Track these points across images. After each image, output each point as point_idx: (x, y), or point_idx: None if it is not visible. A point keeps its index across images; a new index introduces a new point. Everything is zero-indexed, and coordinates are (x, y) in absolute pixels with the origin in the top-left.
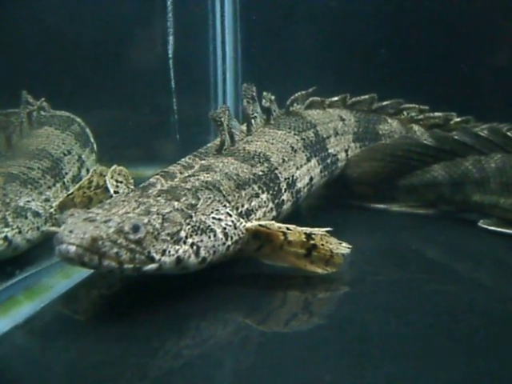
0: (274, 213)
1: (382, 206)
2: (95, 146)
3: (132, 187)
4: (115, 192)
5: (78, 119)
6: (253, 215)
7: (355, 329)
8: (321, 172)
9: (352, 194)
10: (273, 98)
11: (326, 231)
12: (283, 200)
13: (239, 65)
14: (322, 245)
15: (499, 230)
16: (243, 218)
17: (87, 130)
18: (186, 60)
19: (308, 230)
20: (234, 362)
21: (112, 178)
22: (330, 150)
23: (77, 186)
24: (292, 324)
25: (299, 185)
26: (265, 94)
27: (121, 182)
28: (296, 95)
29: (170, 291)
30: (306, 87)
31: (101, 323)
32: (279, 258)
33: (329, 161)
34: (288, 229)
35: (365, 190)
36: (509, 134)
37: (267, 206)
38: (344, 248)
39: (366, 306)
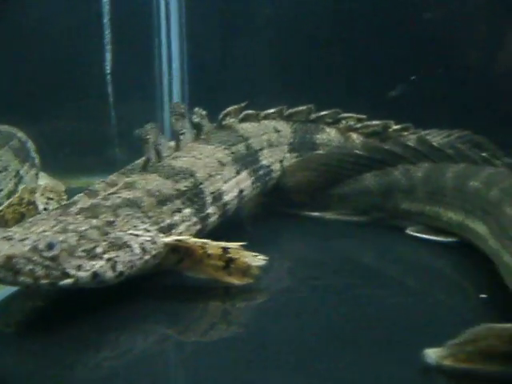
0: (199, 226)
1: (317, 213)
2: (37, 160)
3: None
4: (45, 209)
5: (20, 134)
6: (175, 229)
7: (267, 337)
8: (253, 183)
9: (289, 202)
10: (204, 113)
11: (241, 245)
12: (209, 213)
13: (186, 77)
14: (239, 258)
15: (425, 236)
16: (165, 233)
17: (28, 144)
18: (131, 73)
19: (223, 244)
20: (154, 372)
21: (43, 195)
22: (262, 162)
23: (6, 203)
24: (210, 334)
25: (227, 198)
26: (196, 109)
27: (51, 199)
28: (228, 109)
29: (92, 304)
30: (252, 96)
31: (20, 337)
32: (200, 271)
33: (261, 172)
34: (204, 243)
35: (301, 198)
36: (435, 144)
37: (190, 220)
38: (259, 260)
39: (286, 314)
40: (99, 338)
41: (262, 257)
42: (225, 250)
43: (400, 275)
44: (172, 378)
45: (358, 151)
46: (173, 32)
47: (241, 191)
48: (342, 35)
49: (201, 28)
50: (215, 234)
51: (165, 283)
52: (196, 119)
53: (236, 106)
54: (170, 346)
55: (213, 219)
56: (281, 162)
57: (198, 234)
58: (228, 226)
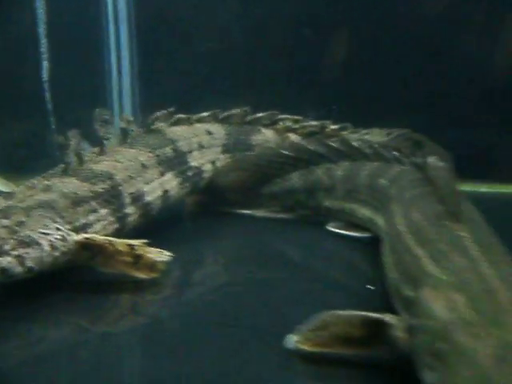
0: (117, 225)
1: (248, 211)
2: None
3: None
4: None
5: None
6: (90, 228)
7: (167, 327)
8: (180, 184)
9: (224, 201)
10: (131, 119)
11: (145, 242)
12: (127, 213)
13: (136, 81)
14: (145, 254)
15: (344, 232)
16: (79, 232)
17: None
18: (77, 80)
19: (128, 241)
20: (65, 360)
21: None
22: (191, 163)
23: None
24: (120, 324)
25: (148, 198)
26: (123, 115)
27: None
28: (157, 114)
29: (3, 299)
30: (203, 100)
31: None
32: (111, 266)
33: (190, 173)
34: (110, 241)
35: (234, 197)
36: (354, 144)
37: (107, 220)
38: (164, 256)
39: (192, 306)
40: (10, 329)
41: (167, 253)
42: (132, 247)
43: (319, 269)
44: (81, 366)
45: (285, 151)
46: (122, 38)
47: (165, 192)
48: (288, 39)
49: (151, 32)
50: (154, 232)
51: (79, 278)
52: (122, 125)
53: (165, 111)
54: (81, 335)
55: (132, 218)
56: (213, 163)
57: (117, 232)
58: (167, 225)
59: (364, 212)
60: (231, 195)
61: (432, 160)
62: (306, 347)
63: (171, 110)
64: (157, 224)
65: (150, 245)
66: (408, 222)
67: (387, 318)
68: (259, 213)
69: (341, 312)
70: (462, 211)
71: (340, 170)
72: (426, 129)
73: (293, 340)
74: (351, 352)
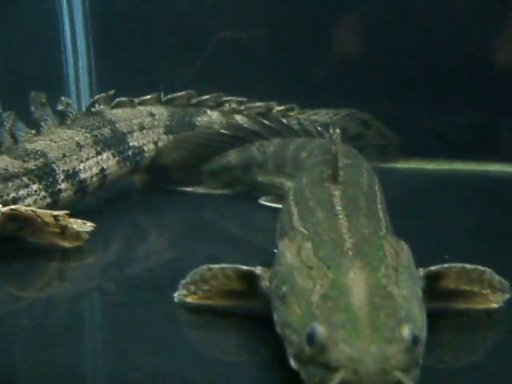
0: (49, 200)
1: (190, 189)
2: None
3: None
4: None
5: None
6: (21, 202)
7: (88, 292)
8: (118, 163)
9: (168, 179)
10: (70, 102)
11: (66, 213)
12: (60, 189)
13: (93, 66)
14: (69, 224)
15: (275, 205)
16: (9, 205)
17: None
18: (31, 66)
19: (53, 212)
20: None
21: None
22: (131, 143)
23: None
24: (47, 289)
25: (83, 175)
26: (62, 99)
27: None
28: (97, 97)
29: None
30: (161, 85)
31: None
32: (40, 236)
33: (130, 153)
34: (34, 211)
35: (177, 175)
36: (284, 121)
37: (39, 195)
38: (87, 227)
39: (114, 277)
40: None
41: (89, 224)
42: (55, 217)
43: (254, 241)
44: (9, 327)
45: (222, 130)
46: (77, 23)
47: (102, 170)
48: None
49: (106, 18)
50: (100, 209)
51: (8, 248)
52: (60, 107)
53: (104, 94)
54: (10, 301)
55: (66, 194)
56: (155, 143)
57: (50, 207)
58: (118, 203)
59: (289, 185)
60: (174, 173)
61: (331, 131)
62: (190, 300)
63: (111, 92)
64: (101, 202)
65: (88, 218)
66: (296, 185)
67: (257, 270)
68: (199, 190)
69: (214, 265)
70: (341, 174)
71: (272, 146)
72: None
73: (178, 294)
74: (232, 304)
